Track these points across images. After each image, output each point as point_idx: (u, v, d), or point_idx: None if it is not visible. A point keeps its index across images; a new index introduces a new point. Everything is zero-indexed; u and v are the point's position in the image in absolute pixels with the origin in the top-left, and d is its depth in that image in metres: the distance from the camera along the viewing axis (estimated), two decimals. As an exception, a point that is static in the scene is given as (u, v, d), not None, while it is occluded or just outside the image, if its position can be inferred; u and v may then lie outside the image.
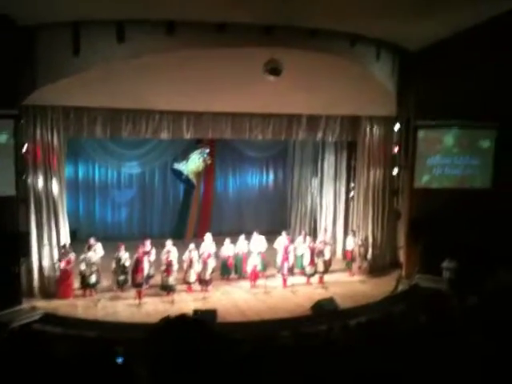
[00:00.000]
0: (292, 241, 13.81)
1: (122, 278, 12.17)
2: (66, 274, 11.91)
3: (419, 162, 13.99)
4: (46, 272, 11.97)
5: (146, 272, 12.04)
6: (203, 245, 12.86)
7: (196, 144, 17.07)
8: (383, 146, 14.49)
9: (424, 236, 13.07)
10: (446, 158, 13.92)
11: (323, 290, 12.90)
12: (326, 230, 15.66)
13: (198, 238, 14.46)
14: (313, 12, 9.93)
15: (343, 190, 16.03)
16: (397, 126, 14.31)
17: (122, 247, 12.28)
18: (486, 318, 6.27)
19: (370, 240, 14.40)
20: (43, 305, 11.32)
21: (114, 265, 12.17)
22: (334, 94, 12.79)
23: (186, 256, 12.37)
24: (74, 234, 13.82)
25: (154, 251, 12.59)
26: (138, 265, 11.94)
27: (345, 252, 14.62)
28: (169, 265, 12.02)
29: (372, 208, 14.50)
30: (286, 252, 13.16)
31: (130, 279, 12.11)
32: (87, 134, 12.59)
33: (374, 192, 14.52)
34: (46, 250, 11.97)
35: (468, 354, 5.20)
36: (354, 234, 14.30)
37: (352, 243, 14.16)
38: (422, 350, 5.49)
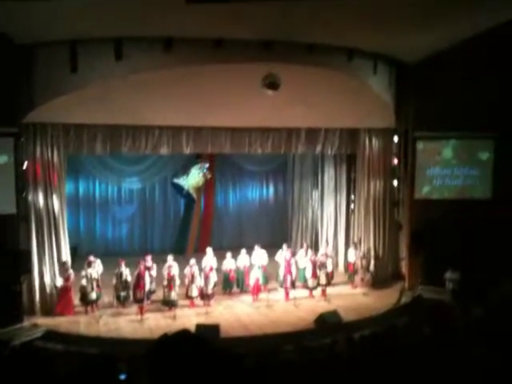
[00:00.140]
0: (293, 254, 13.78)
1: (123, 293, 12.12)
2: (65, 291, 11.87)
3: (419, 174, 14.03)
4: (48, 289, 11.92)
5: (147, 287, 11.99)
6: (205, 259, 12.83)
7: (195, 159, 17.09)
8: (382, 158, 14.53)
9: (426, 247, 13.04)
10: (446, 169, 13.96)
11: (326, 303, 12.84)
12: (327, 243, 15.63)
13: (199, 253, 14.43)
14: (311, 27, 10.01)
15: (344, 202, 16.03)
16: (395, 138, 14.36)
17: (123, 263, 12.25)
18: (490, 329, 6.24)
19: (372, 252, 14.36)
20: (45, 322, 11.25)
21: (115, 280, 12.13)
22: (333, 108, 12.87)
23: (187, 271, 12.33)
24: (74, 251, 13.79)
25: (155, 266, 12.56)
26: (139, 280, 11.89)
27: (347, 264, 14.57)
28: (171, 280, 11.98)
29: (373, 220, 14.50)
30: (289, 265, 13.12)
31: (132, 295, 12.06)
32: (87, 150, 12.60)
33: (375, 204, 14.52)
34: (47, 267, 11.93)
35: (473, 365, 5.16)
36: (356, 246, 14.26)
37: (354, 255, 14.11)
38: (426, 363, 5.46)
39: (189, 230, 17.93)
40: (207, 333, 10.08)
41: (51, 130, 11.85)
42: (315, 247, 15.91)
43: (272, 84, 10.19)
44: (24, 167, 11.58)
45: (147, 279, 12.02)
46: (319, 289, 13.35)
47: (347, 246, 15.35)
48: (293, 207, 18.42)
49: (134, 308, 11.99)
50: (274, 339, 10.30)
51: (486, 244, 12.09)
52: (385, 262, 14.52)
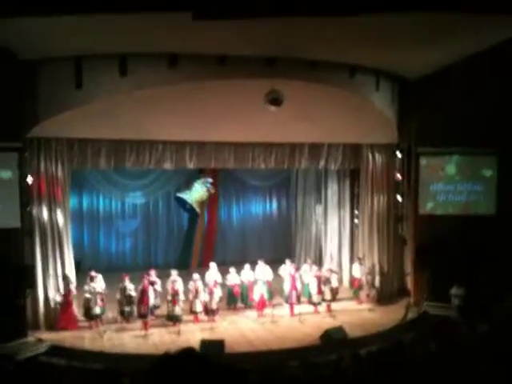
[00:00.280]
0: (297, 269, 13.74)
1: (127, 309, 12.06)
2: (66, 306, 11.85)
3: (423, 189, 14.03)
4: (52, 304, 11.90)
5: (151, 302, 11.96)
6: (208, 274, 12.81)
7: (199, 173, 17.14)
8: (386, 173, 14.54)
9: (431, 262, 13.00)
10: (449, 185, 13.96)
11: (331, 319, 12.77)
12: (331, 258, 15.58)
13: (203, 267, 14.41)
14: (314, 45, 10.08)
15: (347, 217, 16.01)
16: (398, 154, 14.40)
17: (127, 278, 12.22)
18: (496, 345, 6.20)
19: (377, 267, 14.31)
20: (49, 337, 11.22)
21: (118, 296, 12.09)
22: (335, 123, 12.92)
23: (191, 285, 12.30)
24: (78, 265, 13.76)
25: (159, 281, 12.53)
26: (143, 295, 11.87)
27: (352, 280, 14.50)
28: (175, 294, 11.95)
29: (377, 235, 14.46)
30: (294, 280, 13.07)
31: (136, 310, 12.02)
32: (91, 165, 12.65)
33: (379, 219, 14.50)
34: (52, 282, 11.92)
35: (478, 381, 5.13)
36: (361, 262, 14.21)
37: (359, 271, 14.06)
38: (432, 379, 5.42)
39: (192, 245, 17.92)
40: (212, 348, 10.05)
41: (55, 145, 11.90)
42: (319, 262, 15.87)
43: (275, 100, 10.26)
44: (28, 182, 11.63)
45: (151, 294, 11.99)
46: (324, 304, 13.29)
47: (351, 261, 15.30)
48: (296, 222, 18.41)
49: (139, 323, 11.94)
50: (279, 355, 10.24)
51: (491, 260, 12.07)
52: (390, 277, 14.45)
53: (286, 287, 13.05)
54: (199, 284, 12.32)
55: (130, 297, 12.06)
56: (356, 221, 15.61)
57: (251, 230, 19.05)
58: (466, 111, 12.75)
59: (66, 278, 11.97)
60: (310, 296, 13.34)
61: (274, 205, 19.62)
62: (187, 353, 2.45)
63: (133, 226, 17.98)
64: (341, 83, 11.77)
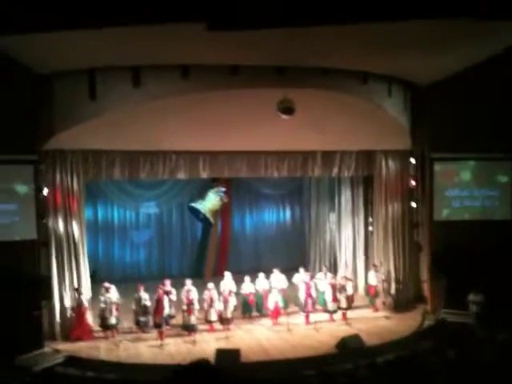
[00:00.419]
0: (312, 277, 13.68)
1: (143, 319, 12.11)
2: (79, 316, 11.91)
3: (437, 195, 13.96)
4: (68, 314, 11.97)
5: (165, 312, 11.96)
6: (223, 283, 12.81)
7: (212, 183, 17.18)
8: (400, 180, 14.45)
9: (447, 269, 12.87)
10: (465, 191, 13.88)
11: (347, 327, 12.68)
12: (346, 265, 15.49)
13: (217, 277, 14.40)
14: (326, 53, 10.08)
15: (362, 224, 15.91)
16: (412, 160, 14.32)
17: (142, 288, 12.27)
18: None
19: (393, 274, 14.20)
20: (65, 347, 11.27)
21: (134, 306, 12.14)
22: (348, 131, 12.88)
23: (206, 295, 12.30)
24: (93, 276, 13.84)
25: (174, 291, 12.55)
26: (158, 305, 11.89)
27: (368, 287, 14.40)
28: (190, 304, 11.95)
29: (392, 242, 14.36)
30: (309, 288, 13.02)
31: (151, 320, 12.04)
32: (106, 176, 12.75)
33: (394, 225, 14.40)
34: (67, 293, 11.99)
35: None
36: (376, 269, 14.12)
37: (375, 278, 13.96)
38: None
39: (206, 254, 17.92)
40: (228, 358, 10.03)
41: (71, 157, 12.02)
42: (333, 270, 15.80)
43: (287, 109, 10.29)
44: (44, 194, 11.75)
45: (166, 304, 12.00)
46: (339, 312, 13.21)
47: (366, 268, 15.22)
48: (310, 230, 18.35)
49: (154, 333, 11.96)
50: (294, 364, 10.18)
51: (508, 265, 11.93)
52: (406, 284, 14.33)
53: (302, 296, 13.00)
54: (214, 293, 12.32)
55: (146, 307, 12.10)
56: (370, 228, 15.52)
57: (265, 238, 19.01)
58: (479, 117, 12.68)
59: (77, 290, 12.04)
60: (325, 304, 13.28)
61: (288, 213, 19.55)
62: (200, 364, 2.45)
63: (147, 236, 18.05)
64: (353, 90, 11.76)
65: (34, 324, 10.95)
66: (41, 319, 11.33)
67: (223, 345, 11.32)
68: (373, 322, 13.06)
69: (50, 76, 11.08)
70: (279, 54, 9.96)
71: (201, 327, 12.21)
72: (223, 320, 12.37)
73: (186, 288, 12.26)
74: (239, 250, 18.67)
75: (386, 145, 14.15)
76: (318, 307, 13.42)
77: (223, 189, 17.37)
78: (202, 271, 17.53)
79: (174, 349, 11.36)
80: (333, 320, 13.10)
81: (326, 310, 13.26)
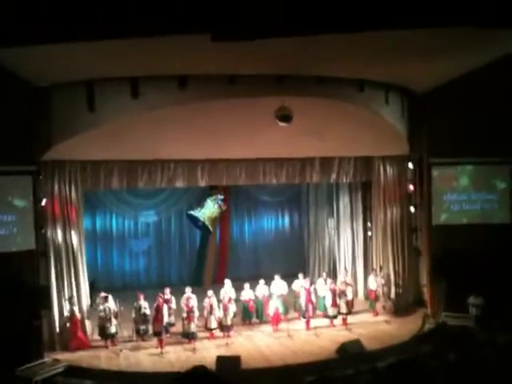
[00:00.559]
0: (311, 282, 13.69)
1: (143, 327, 12.11)
2: (73, 326, 11.87)
3: (436, 200, 14.02)
4: (67, 324, 11.93)
5: (165, 320, 11.96)
6: (223, 290, 12.81)
7: (210, 190, 17.19)
8: (398, 185, 14.50)
9: (447, 273, 12.90)
10: (463, 195, 13.93)
11: (347, 332, 12.69)
12: (346, 270, 15.52)
13: (217, 284, 14.39)
14: (324, 61, 10.12)
15: (360, 229, 15.95)
16: (410, 165, 14.38)
17: (142, 296, 12.26)
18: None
19: (392, 279, 14.23)
20: (65, 357, 11.23)
21: (134, 314, 12.12)
22: (346, 137, 12.92)
23: (205, 302, 12.30)
24: (92, 285, 13.83)
25: (173, 299, 12.54)
26: (157, 313, 11.88)
27: (368, 292, 14.41)
28: (189, 311, 11.95)
29: (391, 247, 14.40)
30: (309, 294, 13.03)
31: (151, 328, 12.03)
32: (104, 185, 12.79)
33: (392, 230, 14.44)
34: (67, 302, 11.96)
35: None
36: (376, 274, 14.14)
37: (375, 283, 13.98)
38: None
39: (205, 262, 17.90)
40: (228, 365, 10.03)
41: (69, 167, 12.05)
42: (333, 275, 15.80)
43: (285, 117, 10.35)
44: (43, 204, 11.75)
45: (165, 312, 12.00)
46: (340, 317, 13.21)
47: (366, 273, 15.24)
48: (309, 236, 18.35)
49: (154, 341, 11.95)
50: (295, 370, 10.18)
51: (508, 268, 11.97)
52: (406, 288, 14.34)
53: (302, 302, 13.01)
54: (213, 300, 12.32)
55: (145, 315, 12.09)
56: (369, 233, 15.55)
57: (264, 245, 19.01)
58: (476, 122, 12.74)
59: (70, 299, 12.00)
60: (325, 309, 13.29)
61: (286, 219, 19.56)
62: (197, 371, 2.47)
63: (146, 244, 18.02)
64: (350, 98, 11.81)
65: (34, 334, 10.92)
66: (41, 329, 11.32)
67: (223, 352, 11.30)
68: (373, 327, 13.07)
69: (48, 88, 11.10)
70: (279, 63, 9.99)
71: (201, 335, 12.20)
72: (223, 327, 12.36)
73: (185, 296, 12.27)
74: (238, 257, 18.66)
75: (384, 151, 14.21)
76: (318, 312, 13.44)
77: (221, 196, 17.38)
78: (201, 279, 17.51)
79: (174, 357, 11.34)
80: (333, 325, 13.11)
81: (326, 316, 13.27)
